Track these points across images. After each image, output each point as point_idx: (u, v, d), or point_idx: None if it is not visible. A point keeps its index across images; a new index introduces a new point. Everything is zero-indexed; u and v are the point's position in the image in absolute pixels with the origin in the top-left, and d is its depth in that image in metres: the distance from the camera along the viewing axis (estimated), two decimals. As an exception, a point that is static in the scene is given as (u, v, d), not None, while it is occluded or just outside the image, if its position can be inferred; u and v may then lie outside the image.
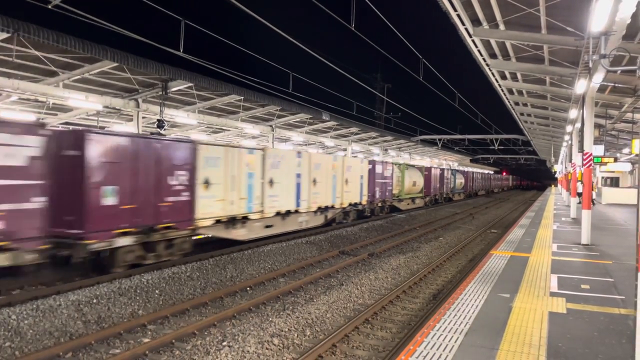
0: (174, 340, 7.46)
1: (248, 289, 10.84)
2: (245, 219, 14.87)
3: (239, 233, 14.68)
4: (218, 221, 13.66)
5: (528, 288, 8.23)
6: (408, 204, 31.76)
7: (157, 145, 11.84)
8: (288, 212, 17.28)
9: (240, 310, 9.01)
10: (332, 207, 20.61)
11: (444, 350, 5.38)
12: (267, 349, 7.28)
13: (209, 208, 13.24)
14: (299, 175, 17.88)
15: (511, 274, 9.31)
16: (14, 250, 8.64)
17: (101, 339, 7.47)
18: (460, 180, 48.27)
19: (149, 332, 8.04)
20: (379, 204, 26.43)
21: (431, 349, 5.43)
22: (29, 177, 8.89)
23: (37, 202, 9.03)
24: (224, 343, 7.40)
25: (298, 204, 17.88)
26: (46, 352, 6.73)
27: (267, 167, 15.93)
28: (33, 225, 8.93)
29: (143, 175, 11.36)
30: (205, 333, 7.95)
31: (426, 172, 35.87)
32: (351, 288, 10.96)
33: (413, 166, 34.75)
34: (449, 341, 5.66)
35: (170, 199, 12.08)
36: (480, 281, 8.69)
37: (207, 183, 13.17)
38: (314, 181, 18.90)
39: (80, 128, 10.85)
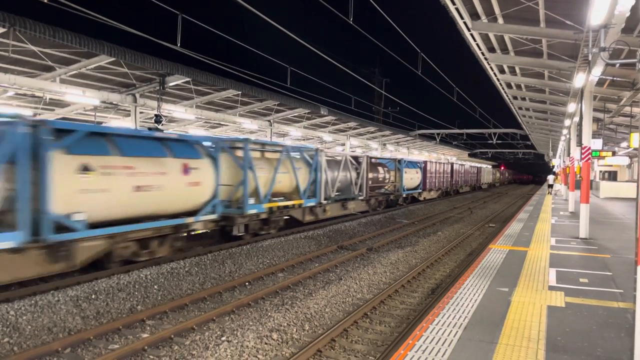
0: (172, 336, 7.46)
1: (247, 284, 10.83)
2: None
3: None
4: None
5: (527, 282, 8.24)
6: (494, 186, 68.92)
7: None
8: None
9: (239, 305, 9.01)
10: (486, 183, 66.32)
11: (442, 345, 5.38)
12: (266, 343, 7.28)
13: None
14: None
15: (510, 268, 9.33)
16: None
17: (100, 334, 7.46)
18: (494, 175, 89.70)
19: (148, 328, 8.03)
20: (493, 184, 63.89)
21: (430, 343, 5.43)
22: None
23: None
24: (223, 338, 7.40)
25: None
26: (45, 348, 6.72)
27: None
28: None
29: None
30: (204, 328, 7.95)
31: (496, 170, 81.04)
32: (350, 283, 10.97)
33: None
34: (448, 335, 5.66)
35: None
36: (479, 275, 8.70)
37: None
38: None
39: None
